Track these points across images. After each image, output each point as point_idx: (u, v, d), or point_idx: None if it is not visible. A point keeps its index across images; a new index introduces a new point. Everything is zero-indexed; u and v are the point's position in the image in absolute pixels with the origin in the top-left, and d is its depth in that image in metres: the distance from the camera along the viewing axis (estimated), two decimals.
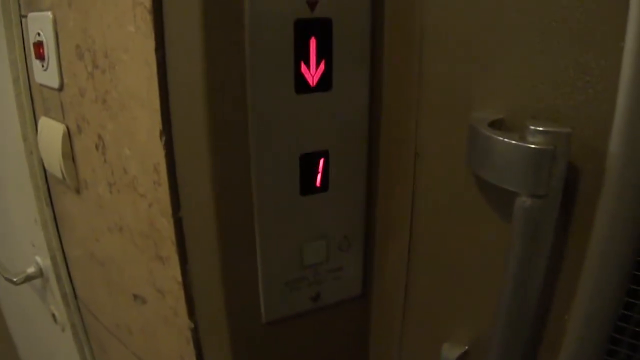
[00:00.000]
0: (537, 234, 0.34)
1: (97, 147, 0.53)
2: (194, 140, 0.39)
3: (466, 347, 0.44)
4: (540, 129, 0.32)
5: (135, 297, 0.57)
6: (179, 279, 0.47)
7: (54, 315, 0.82)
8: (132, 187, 0.48)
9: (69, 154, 0.58)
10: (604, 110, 0.32)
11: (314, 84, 0.39)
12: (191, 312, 0.48)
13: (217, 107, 0.37)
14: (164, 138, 0.42)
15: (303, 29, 0.38)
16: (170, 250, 0.46)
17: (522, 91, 0.36)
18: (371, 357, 0.53)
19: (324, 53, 0.39)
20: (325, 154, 0.42)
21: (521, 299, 0.37)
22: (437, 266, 0.45)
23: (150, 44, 0.40)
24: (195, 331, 0.49)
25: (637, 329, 0.37)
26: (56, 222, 0.71)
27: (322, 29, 0.38)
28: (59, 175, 0.60)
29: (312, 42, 0.38)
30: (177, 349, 0.51)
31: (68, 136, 0.58)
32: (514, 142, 0.33)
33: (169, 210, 0.44)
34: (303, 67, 0.39)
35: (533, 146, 0.32)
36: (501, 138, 0.33)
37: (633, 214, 0.33)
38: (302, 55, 0.38)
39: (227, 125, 0.38)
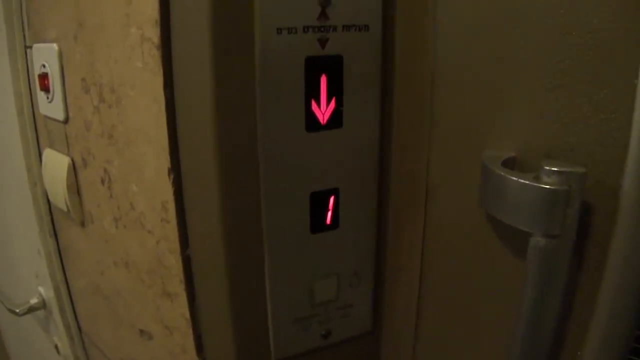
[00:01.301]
0: (551, 273, 0.33)
1: (102, 182, 0.52)
2: (203, 179, 0.39)
3: None
4: (555, 169, 0.31)
5: (142, 332, 0.55)
6: (187, 316, 0.46)
7: (56, 347, 0.80)
8: (140, 223, 0.48)
9: (74, 186, 0.57)
10: (618, 147, 0.32)
11: (325, 121, 0.39)
12: (199, 349, 0.47)
13: (228, 147, 0.37)
14: (172, 176, 0.41)
15: (314, 67, 0.37)
16: (178, 288, 0.45)
17: (535, 129, 0.35)
18: None
19: (335, 90, 0.39)
20: (335, 192, 0.41)
21: (534, 338, 0.37)
22: (447, 304, 0.44)
23: (159, 80, 0.39)
24: None
25: None
26: (60, 254, 0.70)
27: (333, 66, 0.38)
28: (64, 208, 0.59)
29: (323, 80, 0.38)
30: None
31: (73, 169, 0.57)
32: (528, 182, 0.32)
33: (177, 247, 0.44)
34: (314, 105, 0.38)
35: (548, 187, 0.31)
36: (515, 178, 0.33)
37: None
38: (312, 93, 0.38)
39: (237, 164, 0.38)
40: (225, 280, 0.41)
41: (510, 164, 0.37)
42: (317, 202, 0.40)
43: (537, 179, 0.33)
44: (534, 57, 0.34)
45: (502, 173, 0.34)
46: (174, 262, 0.45)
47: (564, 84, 0.33)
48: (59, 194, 0.59)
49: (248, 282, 0.41)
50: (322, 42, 0.37)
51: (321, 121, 0.39)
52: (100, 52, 0.47)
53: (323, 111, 0.39)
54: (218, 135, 0.36)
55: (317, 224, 0.41)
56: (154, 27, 0.38)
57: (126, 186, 0.48)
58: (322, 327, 0.45)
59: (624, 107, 0.31)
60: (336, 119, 0.39)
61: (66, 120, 0.56)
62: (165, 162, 0.41)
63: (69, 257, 0.69)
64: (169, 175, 0.41)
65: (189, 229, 0.43)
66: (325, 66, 0.38)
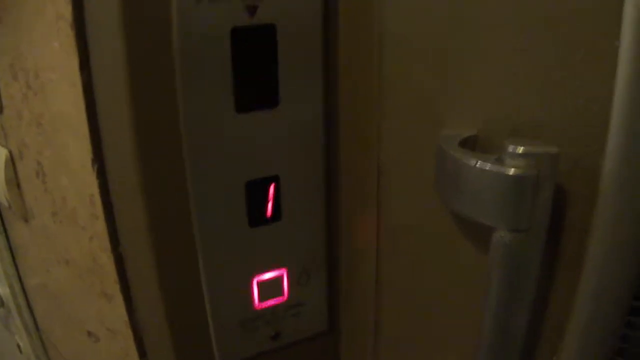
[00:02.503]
0: (519, 273, 0.30)
1: (37, 175, 0.48)
2: (124, 170, 0.35)
3: None
4: (521, 150, 0.27)
5: (89, 334, 0.52)
6: (126, 318, 0.42)
7: (19, 346, 0.77)
8: (73, 218, 0.44)
9: (14, 180, 0.53)
10: (598, 121, 0.28)
11: (258, 100, 0.35)
12: (142, 354, 0.44)
13: (148, 135, 0.33)
14: (95, 167, 0.37)
15: (242, 39, 0.33)
16: (114, 289, 0.42)
17: (499, 100, 0.31)
18: None
19: (268, 64, 0.34)
20: (275, 180, 0.37)
21: (503, 344, 0.33)
22: (408, 299, 0.41)
23: (75, 61, 0.35)
24: None
25: None
26: (11, 251, 0.66)
27: (264, 37, 0.34)
28: (5, 202, 0.55)
29: (254, 53, 0.34)
30: None
31: (12, 161, 0.53)
32: (488, 167, 0.28)
33: (108, 245, 0.40)
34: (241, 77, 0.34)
35: (512, 172, 0.27)
36: (474, 162, 0.29)
37: (633, 240, 0.29)
38: (242, 69, 0.34)
39: (160, 153, 0.34)
40: (157, 280, 0.37)
41: (470, 144, 0.33)
42: (255, 192, 0.37)
43: (500, 161, 0.29)
44: (499, 15, 0.30)
45: (459, 156, 0.30)
46: (107, 260, 0.41)
47: (531, 45, 0.29)
48: (1, 189, 0.56)
49: (182, 282, 0.38)
50: (251, 10, 0.33)
51: (254, 100, 0.35)
52: (24, 33, 0.43)
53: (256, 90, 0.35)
54: (136, 121, 0.33)
55: (256, 217, 0.37)
56: (66, 3, 0.34)
57: (58, 179, 0.44)
58: (270, 329, 0.41)
59: (604, 73, 0.27)
60: (271, 97, 0.35)
61: (1, 110, 0.52)
62: (88, 152, 0.37)
63: (19, 255, 0.66)
64: (92, 166, 0.37)
65: (118, 225, 0.39)
66: (255, 38, 0.33)
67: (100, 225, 0.40)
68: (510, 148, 0.28)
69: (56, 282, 0.55)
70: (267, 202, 0.37)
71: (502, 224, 0.29)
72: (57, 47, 0.37)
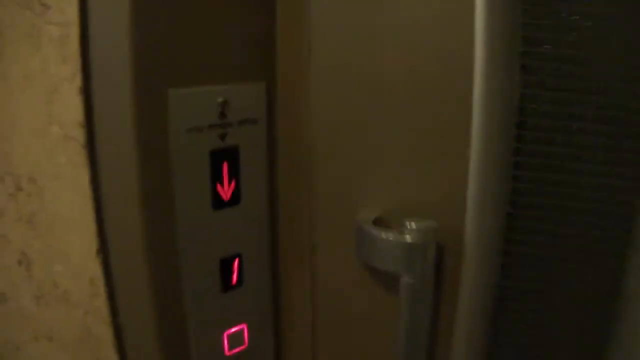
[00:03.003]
0: (419, 303, 0.45)
1: (19, 263, 0.55)
2: (131, 256, 0.45)
3: None
4: (414, 226, 0.43)
5: None
6: None
7: None
8: (65, 299, 0.52)
9: None
10: (460, 202, 0.44)
11: (227, 200, 0.48)
12: None
13: (150, 230, 0.44)
14: (101, 256, 0.47)
15: (217, 157, 0.46)
16: (110, 355, 0.51)
17: (397, 194, 0.47)
18: None
19: (234, 174, 0.47)
20: (239, 256, 0.50)
21: (413, 348, 0.48)
22: (340, 347, 0.54)
23: (85, 175, 0.45)
24: None
25: None
26: None
27: (231, 154, 0.47)
28: None
29: (225, 166, 0.47)
30: None
31: None
32: (392, 238, 0.43)
33: (107, 317, 0.49)
34: (218, 187, 0.47)
35: (409, 241, 0.43)
36: (384, 236, 0.44)
37: (486, 280, 0.45)
38: (217, 177, 0.46)
39: (159, 241, 0.45)
40: (154, 340, 0.47)
41: (379, 222, 0.48)
42: (225, 266, 0.49)
43: (401, 233, 0.44)
44: (388, 135, 0.46)
45: (373, 231, 0.45)
46: (105, 329, 0.50)
47: (418, 156, 0.45)
48: None
49: (174, 338, 0.48)
50: (222, 136, 0.46)
51: (224, 200, 0.47)
52: (16, 144, 0.51)
53: (226, 191, 0.47)
54: (144, 224, 0.43)
55: (226, 284, 0.49)
56: (78, 128, 0.44)
57: (49, 267, 0.52)
58: None
59: (462, 174, 0.43)
60: (236, 197, 0.48)
61: None
62: (93, 245, 0.47)
63: None
64: (97, 255, 0.47)
65: (118, 301, 0.49)
66: (225, 155, 0.46)
67: (101, 301, 0.49)
68: (407, 224, 0.44)
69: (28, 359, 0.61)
70: (233, 272, 0.50)
71: (406, 272, 0.44)
72: (63, 160, 0.47)
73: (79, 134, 0.44)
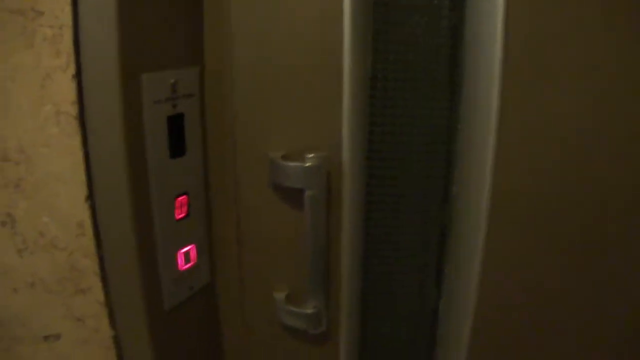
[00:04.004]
0: (318, 209, 0.68)
1: (3, 225, 0.68)
2: (114, 196, 0.62)
3: (288, 290, 0.75)
4: (312, 155, 0.66)
5: (46, 338, 0.72)
6: (102, 299, 0.66)
7: None
8: (52, 245, 0.66)
9: None
10: (339, 141, 0.68)
11: (178, 151, 0.66)
12: (113, 324, 0.68)
13: (131, 175, 0.61)
14: (88, 202, 0.63)
15: (171, 121, 0.65)
16: (93, 281, 0.66)
17: (297, 137, 0.69)
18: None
19: (182, 132, 0.67)
20: (187, 194, 0.69)
21: (318, 250, 0.70)
22: (261, 248, 0.75)
23: (77, 139, 0.61)
24: (116, 338, 0.68)
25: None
26: None
27: (179, 119, 0.66)
28: None
29: (175, 127, 0.66)
30: None
31: None
32: (297, 164, 0.66)
33: (93, 251, 0.65)
34: (172, 142, 0.65)
35: (308, 164, 0.65)
36: (291, 164, 0.66)
37: (359, 195, 0.70)
38: (172, 135, 0.65)
39: (137, 183, 0.62)
40: (135, 264, 0.64)
41: (285, 157, 0.70)
42: (178, 201, 0.68)
43: (303, 162, 0.66)
44: (288, 98, 0.68)
45: (283, 162, 0.67)
46: (90, 262, 0.65)
47: (307, 112, 0.68)
48: None
49: (148, 258, 0.65)
50: (174, 106, 0.65)
51: (176, 152, 0.66)
52: (6, 126, 0.65)
53: (176, 145, 0.66)
54: (127, 168, 0.61)
55: (179, 214, 0.68)
56: (71, 105, 0.60)
57: (35, 220, 0.66)
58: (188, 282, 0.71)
59: (337, 115, 0.67)
60: (182, 150, 0.67)
61: None
62: (82, 193, 0.63)
63: None
64: (85, 201, 0.63)
65: (102, 237, 0.65)
66: (176, 119, 0.66)
67: (87, 240, 0.64)
68: (307, 156, 0.66)
69: (6, 310, 0.73)
70: (183, 206, 0.68)
71: (308, 187, 0.67)
72: (55, 131, 0.62)
73: (72, 109, 0.60)
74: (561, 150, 0.66)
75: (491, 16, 0.61)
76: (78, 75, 0.60)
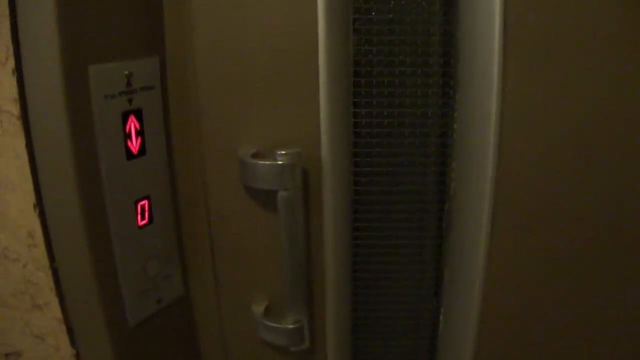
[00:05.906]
0: (294, 212, 0.60)
1: None
2: (67, 204, 0.56)
3: (267, 303, 0.68)
4: (284, 152, 0.58)
5: (8, 355, 0.66)
6: (60, 316, 0.61)
7: None
8: (3, 256, 0.61)
9: None
10: (316, 136, 0.60)
11: (136, 152, 0.60)
12: (73, 342, 0.62)
13: (81, 181, 0.55)
14: (37, 209, 0.57)
15: (126, 117, 0.58)
16: (49, 296, 0.60)
17: (268, 133, 0.62)
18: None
19: (140, 130, 0.60)
20: (148, 198, 0.62)
21: (296, 257, 0.63)
22: (236, 256, 0.68)
23: (21, 141, 0.55)
24: (78, 357, 0.63)
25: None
26: None
27: (137, 115, 0.59)
28: None
29: (133, 125, 0.59)
30: None
31: None
32: (268, 163, 0.59)
33: (46, 264, 0.59)
34: (128, 142, 0.59)
35: (280, 162, 0.58)
36: (261, 162, 0.59)
37: (343, 194, 0.62)
38: (127, 134, 0.58)
39: (88, 189, 0.56)
40: (92, 278, 0.58)
41: (256, 155, 0.63)
42: (138, 206, 0.61)
43: (274, 160, 0.59)
44: (257, 91, 0.61)
45: (253, 161, 0.60)
46: (44, 276, 0.59)
47: (278, 106, 0.60)
48: None
49: (105, 270, 0.59)
50: (130, 101, 0.58)
51: (134, 152, 0.59)
52: None
53: (134, 145, 0.60)
54: (75, 172, 0.54)
55: (141, 220, 0.61)
56: (13, 103, 0.54)
57: None
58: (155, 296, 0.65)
59: (313, 108, 0.59)
60: (142, 150, 0.60)
61: None
62: (30, 200, 0.57)
63: None
64: (34, 209, 0.57)
65: (55, 248, 0.59)
66: (132, 115, 0.59)
67: (39, 251, 0.58)
68: (278, 152, 0.59)
69: None
70: (145, 211, 0.62)
71: (281, 187, 0.59)
72: None
73: (14, 108, 0.54)
74: (563, 148, 0.59)
75: None
76: (18, 70, 0.54)
